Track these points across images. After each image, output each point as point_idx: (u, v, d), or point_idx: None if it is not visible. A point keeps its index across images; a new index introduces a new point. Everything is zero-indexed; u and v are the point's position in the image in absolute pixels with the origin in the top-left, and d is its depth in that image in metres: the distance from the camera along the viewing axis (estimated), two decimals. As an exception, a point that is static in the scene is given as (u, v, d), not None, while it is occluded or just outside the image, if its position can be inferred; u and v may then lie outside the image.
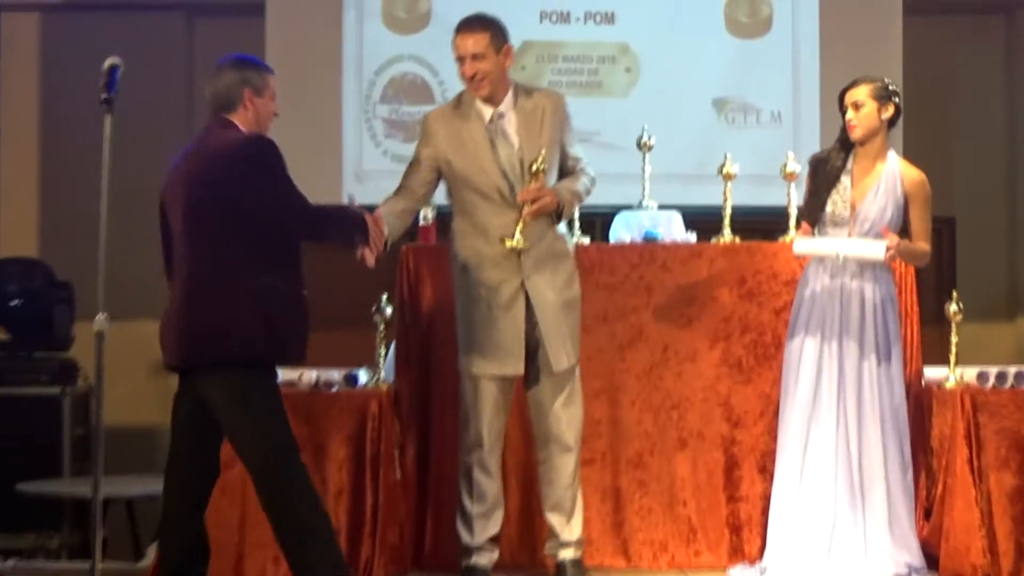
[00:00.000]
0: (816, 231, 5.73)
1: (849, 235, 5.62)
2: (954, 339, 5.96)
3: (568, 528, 5.61)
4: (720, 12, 8.19)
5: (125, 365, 7.83)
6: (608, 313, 6.05)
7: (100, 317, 4.65)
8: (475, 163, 5.45)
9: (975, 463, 5.70)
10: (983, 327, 8.19)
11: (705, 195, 7.16)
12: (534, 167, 5.37)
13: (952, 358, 5.95)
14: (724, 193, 6.27)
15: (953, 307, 5.98)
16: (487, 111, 5.49)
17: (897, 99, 5.70)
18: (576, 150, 5.61)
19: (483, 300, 5.44)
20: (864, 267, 5.63)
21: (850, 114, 5.67)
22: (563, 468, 5.57)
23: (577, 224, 6.12)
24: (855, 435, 5.58)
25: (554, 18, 7.96)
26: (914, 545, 5.63)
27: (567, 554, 5.62)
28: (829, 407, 5.59)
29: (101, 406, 4.82)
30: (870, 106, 5.65)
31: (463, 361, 5.50)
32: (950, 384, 5.90)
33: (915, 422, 5.89)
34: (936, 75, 8.55)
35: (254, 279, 4.72)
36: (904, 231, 5.65)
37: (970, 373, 5.94)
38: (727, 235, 6.20)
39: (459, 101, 5.56)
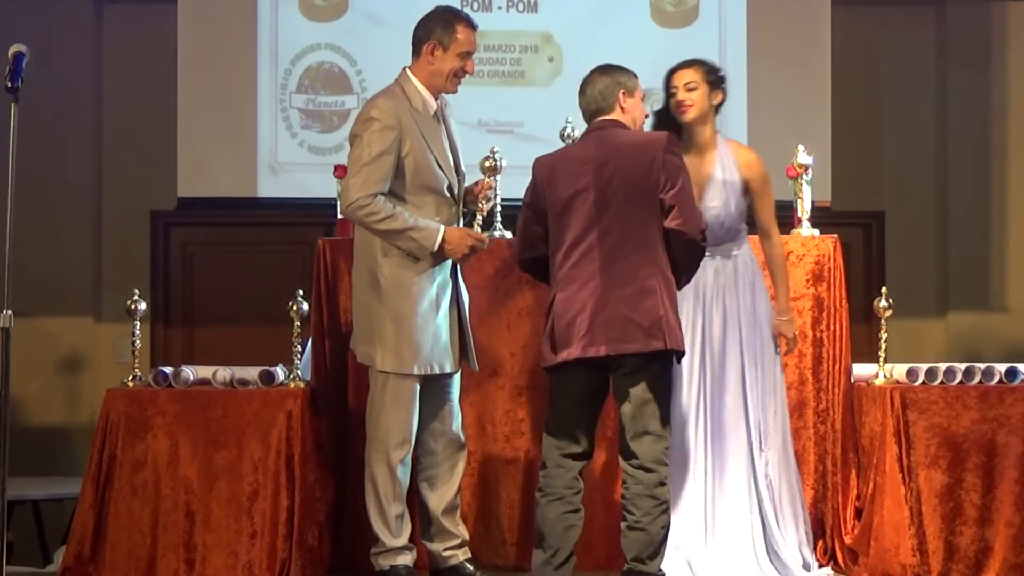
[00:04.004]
0: None
1: None
2: (883, 335, 5.94)
3: (463, 527, 5.64)
4: (646, 1, 8.10)
5: (31, 364, 7.75)
6: (532, 308, 5.94)
7: (5, 313, 4.60)
8: (431, 156, 5.40)
9: (904, 461, 5.69)
10: (913, 323, 8.17)
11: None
12: (488, 163, 5.53)
13: (881, 355, 5.93)
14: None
15: (882, 303, 5.95)
16: (432, 104, 5.47)
17: (725, 86, 5.63)
18: None
19: (426, 298, 5.38)
20: (716, 252, 5.52)
21: (682, 94, 5.55)
22: (461, 467, 5.58)
23: (499, 218, 6.07)
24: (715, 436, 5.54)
25: (475, 6, 7.83)
26: (806, 542, 5.65)
27: (467, 554, 5.61)
28: (696, 407, 5.55)
29: (6, 406, 4.74)
30: (702, 89, 5.55)
31: (394, 360, 5.38)
32: (879, 381, 5.88)
33: (845, 420, 5.92)
34: (866, 67, 8.52)
35: (665, 271, 5.01)
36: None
37: (900, 370, 5.92)
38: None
39: (402, 91, 5.46)
